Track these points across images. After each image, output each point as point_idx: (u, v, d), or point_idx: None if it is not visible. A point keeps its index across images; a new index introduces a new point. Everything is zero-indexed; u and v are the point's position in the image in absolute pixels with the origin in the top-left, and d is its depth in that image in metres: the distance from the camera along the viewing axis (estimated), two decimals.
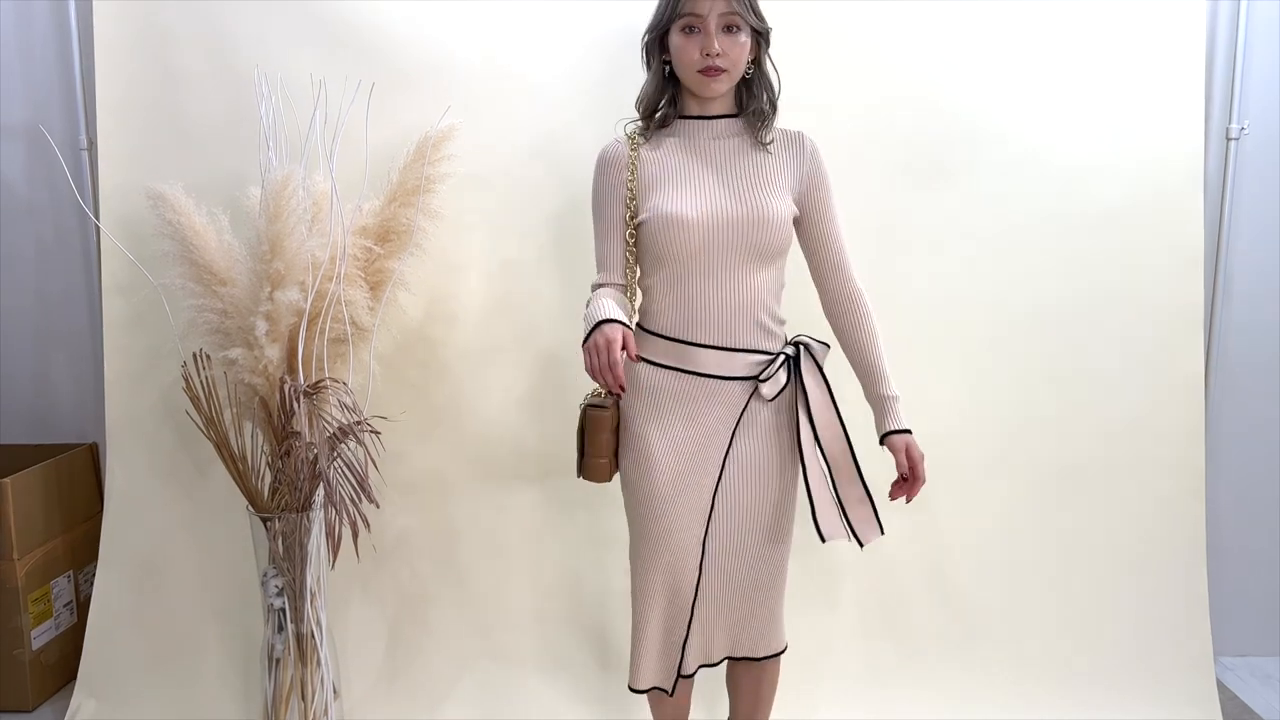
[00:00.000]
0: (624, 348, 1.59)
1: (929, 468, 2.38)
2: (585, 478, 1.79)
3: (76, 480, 2.57)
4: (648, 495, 1.74)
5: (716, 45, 1.65)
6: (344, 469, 1.81)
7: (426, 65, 2.28)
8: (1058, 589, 2.44)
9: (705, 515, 1.75)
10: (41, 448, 2.59)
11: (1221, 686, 2.49)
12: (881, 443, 1.77)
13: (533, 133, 2.30)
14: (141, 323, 2.33)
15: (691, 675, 1.83)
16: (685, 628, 1.77)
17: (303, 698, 2.05)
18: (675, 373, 1.74)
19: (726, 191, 1.72)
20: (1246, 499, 2.67)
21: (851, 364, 1.82)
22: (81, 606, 2.53)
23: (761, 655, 1.86)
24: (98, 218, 2.32)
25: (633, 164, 1.76)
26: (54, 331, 2.63)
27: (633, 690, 1.81)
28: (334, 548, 1.73)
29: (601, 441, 1.75)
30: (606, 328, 1.60)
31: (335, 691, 2.10)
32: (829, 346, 1.81)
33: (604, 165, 1.79)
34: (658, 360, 1.75)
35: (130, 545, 2.38)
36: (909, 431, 1.76)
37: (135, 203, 2.15)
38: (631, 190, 1.75)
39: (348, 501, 1.76)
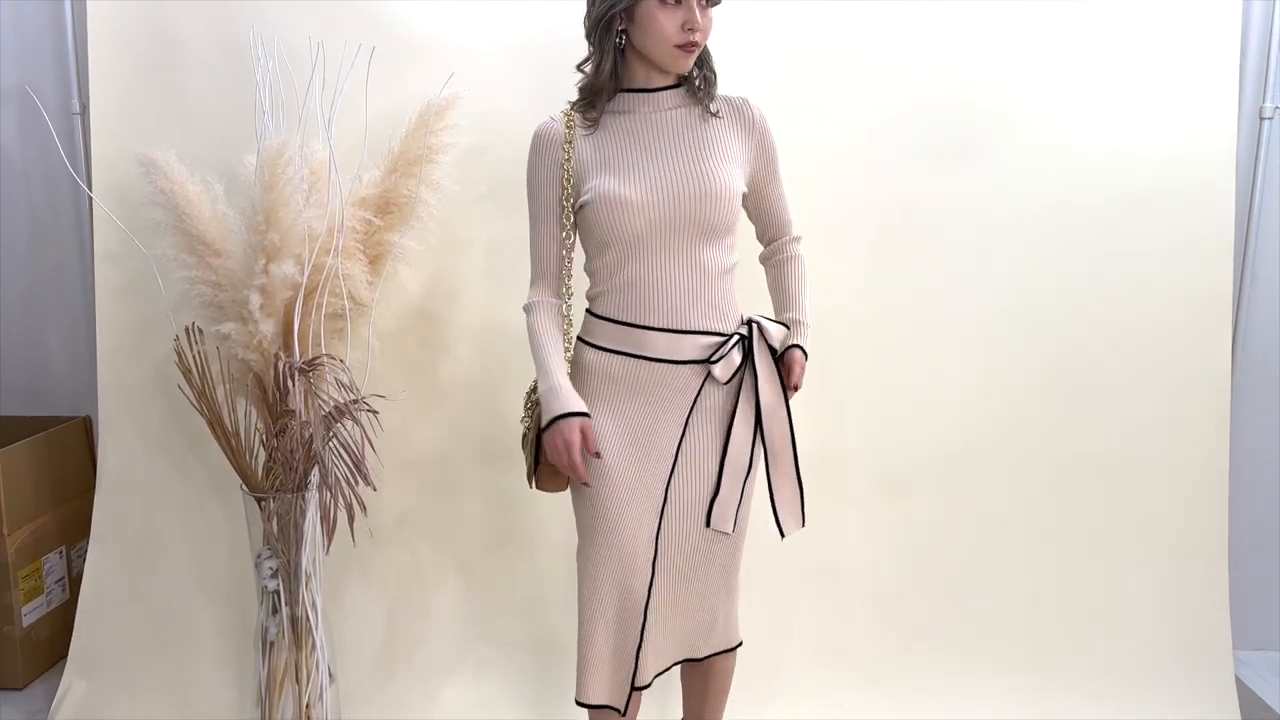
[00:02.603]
0: (584, 444, 1.60)
1: (948, 458, 2.33)
2: (540, 488, 1.73)
3: (69, 454, 2.52)
4: (595, 490, 1.66)
5: (700, 20, 1.57)
6: (340, 450, 1.74)
7: (429, 30, 2.19)
8: (1076, 582, 2.38)
9: (658, 510, 1.67)
10: (34, 420, 2.53)
11: (1238, 681, 2.43)
12: (781, 356, 1.73)
13: (540, 103, 2.20)
14: (135, 294, 2.26)
15: (647, 687, 1.71)
16: (639, 634, 1.67)
17: (297, 681, 2.00)
18: (624, 358, 1.66)
19: (672, 167, 1.63)
20: (1268, 492, 2.60)
21: (772, 293, 1.83)
22: (74, 583, 2.49)
23: (714, 652, 1.79)
24: (90, 184, 2.25)
25: (569, 142, 1.66)
26: (47, 301, 2.57)
27: (579, 704, 1.70)
28: (329, 531, 1.68)
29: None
30: (564, 426, 1.58)
31: (331, 675, 2.05)
32: (787, 328, 1.74)
33: (539, 144, 1.68)
34: (606, 345, 1.68)
35: (123, 522, 2.32)
36: (803, 352, 1.74)
37: (128, 170, 2.08)
38: (568, 171, 1.66)
39: (343, 483, 1.70)
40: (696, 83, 1.69)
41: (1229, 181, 2.30)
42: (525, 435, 1.74)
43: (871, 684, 2.32)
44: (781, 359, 1.72)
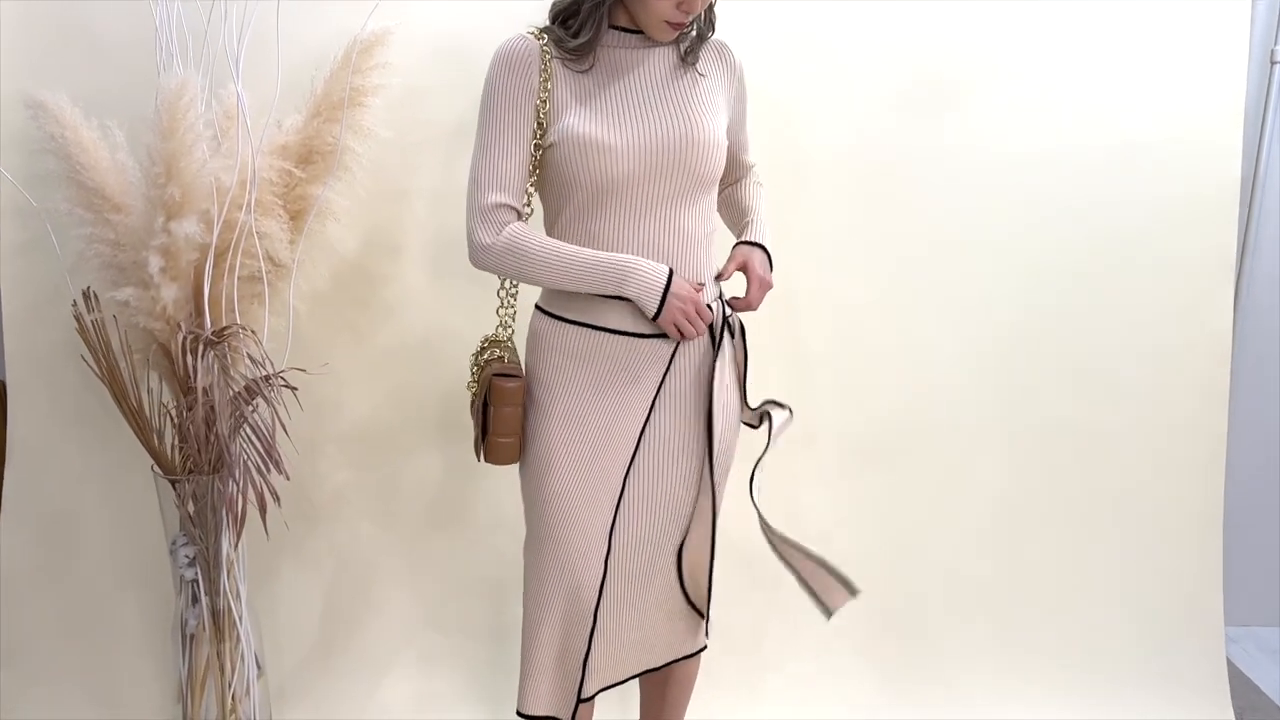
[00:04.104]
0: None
1: (935, 426, 2.12)
2: (489, 460, 1.54)
3: None
4: (544, 479, 1.50)
5: (699, 4, 1.43)
6: (249, 433, 1.56)
7: None
8: (1065, 557, 2.28)
9: (614, 502, 1.51)
10: None
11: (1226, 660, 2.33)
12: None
13: (484, 39, 1.99)
14: (41, 252, 2.05)
15: (591, 699, 1.58)
16: (586, 639, 1.52)
17: (221, 673, 1.84)
18: (585, 330, 1.48)
19: (656, 112, 1.47)
20: (1265, 465, 2.48)
21: (727, 207, 1.72)
22: None
23: (673, 659, 1.67)
24: None
25: (547, 68, 1.46)
26: None
27: (521, 716, 1.56)
28: (235, 524, 1.50)
29: (509, 416, 1.50)
30: (678, 288, 1.43)
31: (259, 667, 1.89)
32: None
33: (510, 62, 1.46)
34: (566, 315, 1.50)
35: (37, 500, 2.13)
36: (764, 250, 1.60)
37: (23, 114, 1.86)
38: (544, 100, 1.45)
39: (253, 471, 1.52)
40: (690, 32, 1.54)
41: (1236, 130, 2.14)
42: (473, 402, 1.58)
43: (849, 665, 2.23)
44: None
